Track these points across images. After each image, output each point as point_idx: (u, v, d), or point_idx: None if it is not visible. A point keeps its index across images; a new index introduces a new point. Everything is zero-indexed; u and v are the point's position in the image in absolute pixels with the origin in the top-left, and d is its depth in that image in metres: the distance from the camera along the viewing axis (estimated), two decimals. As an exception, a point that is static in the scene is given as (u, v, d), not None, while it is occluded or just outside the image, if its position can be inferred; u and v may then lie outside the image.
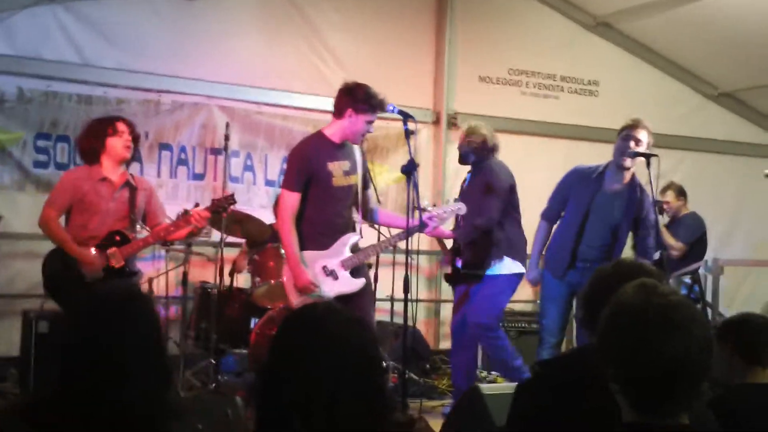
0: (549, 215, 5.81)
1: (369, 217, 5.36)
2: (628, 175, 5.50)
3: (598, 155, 7.58)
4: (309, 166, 4.90)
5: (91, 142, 5.15)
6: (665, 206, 7.41)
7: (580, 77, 8.97)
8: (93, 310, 2.01)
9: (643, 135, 5.35)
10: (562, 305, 5.59)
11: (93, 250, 5.00)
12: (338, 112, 4.99)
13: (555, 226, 5.80)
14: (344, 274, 4.98)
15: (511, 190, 5.91)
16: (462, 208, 5.32)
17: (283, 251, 5.13)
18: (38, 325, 5.61)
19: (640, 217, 5.51)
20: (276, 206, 5.14)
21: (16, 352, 5.91)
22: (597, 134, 8.33)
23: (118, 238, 5.05)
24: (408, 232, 4.94)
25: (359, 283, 5.05)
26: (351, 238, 5.05)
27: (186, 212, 5.14)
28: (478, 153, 5.90)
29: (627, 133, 5.38)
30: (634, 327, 1.87)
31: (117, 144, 5.10)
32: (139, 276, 5.30)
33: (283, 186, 5.01)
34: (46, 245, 6.43)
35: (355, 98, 4.94)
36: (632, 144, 5.34)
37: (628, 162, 5.39)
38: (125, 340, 1.93)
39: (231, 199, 5.30)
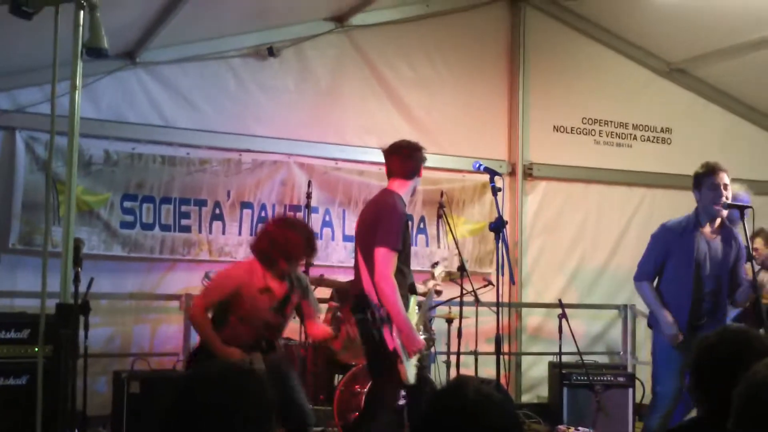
0: (649, 276, 5.49)
1: None
2: (718, 222, 5.39)
3: (675, 202, 7.56)
4: (404, 227, 4.78)
5: (273, 250, 4.82)
6: (755, 254, 7.21)
7: (652, 125, 8.91)
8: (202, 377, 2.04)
9: (727, 179, 5.25)
10: (679, 371, 5.17)
11: (238, 352, 4.72)
12: (410, 173, 4.90)
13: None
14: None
15: None
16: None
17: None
18: (130, 385, 5.71)
19: (736, 263, 5.39)
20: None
21: (108, 411, 5.98)
22: (672, 181, 8.37)
23: (264, 344, 4.88)
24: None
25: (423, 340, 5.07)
26: (414, 298, 5.01)
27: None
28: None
29: (713, 181, 5.26)
30: None
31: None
32: None
33: (385, 245, 4.67)
34: (132, 305, 6.63)
35: (423, 158, 4.96)
36: (723, 191, 5.23)
37: (724, 212, 5.29)
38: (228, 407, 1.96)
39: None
